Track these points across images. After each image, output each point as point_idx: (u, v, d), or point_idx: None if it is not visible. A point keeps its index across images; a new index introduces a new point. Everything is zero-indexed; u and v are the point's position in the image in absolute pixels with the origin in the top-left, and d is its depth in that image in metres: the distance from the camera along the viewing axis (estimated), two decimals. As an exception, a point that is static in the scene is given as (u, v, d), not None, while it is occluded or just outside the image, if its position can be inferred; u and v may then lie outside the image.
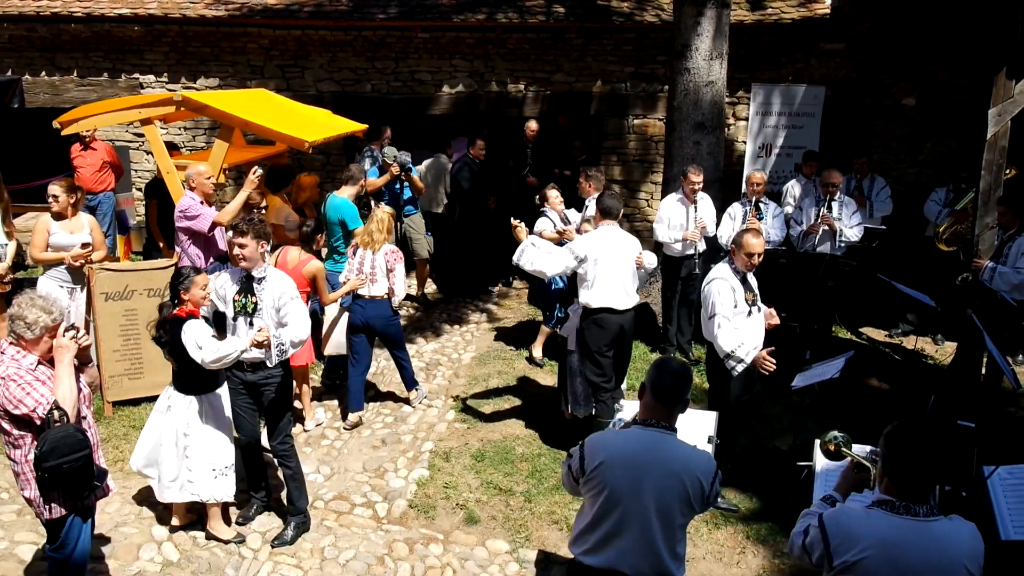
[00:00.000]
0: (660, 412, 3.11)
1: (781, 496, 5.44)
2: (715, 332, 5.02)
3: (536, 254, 5.45)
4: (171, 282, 4.67)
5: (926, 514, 2.61)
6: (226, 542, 4.90)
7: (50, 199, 6.27)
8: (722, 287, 5.06)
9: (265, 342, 4.57)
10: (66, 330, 3.69)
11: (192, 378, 4.65)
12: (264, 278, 4.74)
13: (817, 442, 4.26)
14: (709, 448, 4.29)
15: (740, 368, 4.99)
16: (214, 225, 6.34)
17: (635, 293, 5.68)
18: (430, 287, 9.76)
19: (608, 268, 5.53)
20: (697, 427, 4.34)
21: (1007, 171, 7.04)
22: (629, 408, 4.33)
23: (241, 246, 4.67)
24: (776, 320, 5.29)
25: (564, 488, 3.30)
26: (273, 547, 4.89)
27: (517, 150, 9.63)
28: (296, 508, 5.01)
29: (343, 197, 6.92)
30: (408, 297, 9.41)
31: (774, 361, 4.97)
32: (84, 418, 3.83)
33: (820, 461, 4.27)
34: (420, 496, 5.48)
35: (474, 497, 5.47)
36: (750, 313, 5.15)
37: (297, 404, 6.44)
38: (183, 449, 4.69)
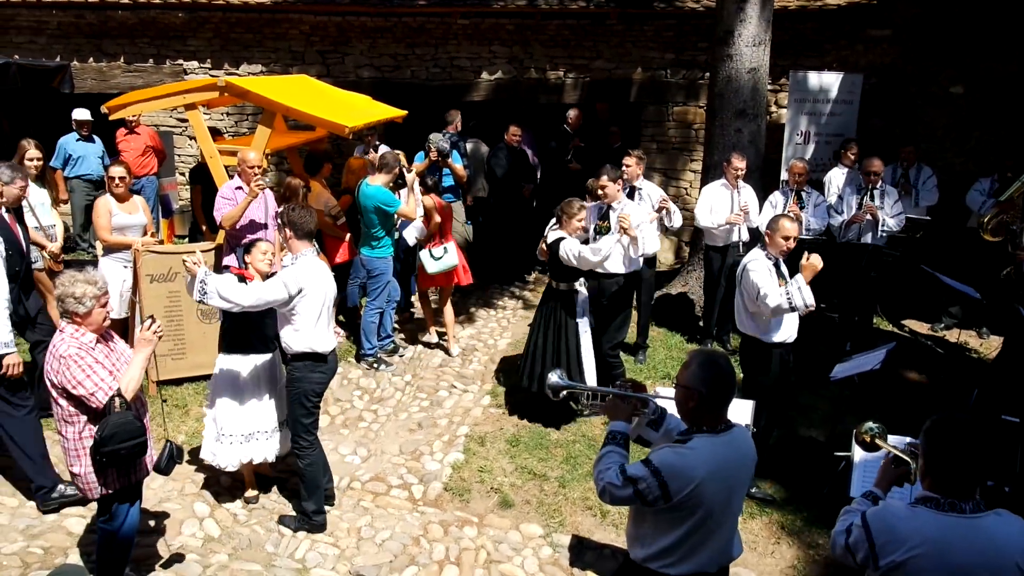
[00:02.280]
0: (722, 413, 3.02)
1: (817, 487, 5.39)
2: (771, 307, 5.02)
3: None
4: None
5: (973, 510, 2.55)
6: (246, 500, 5.15)
7: (115, 180, 6.41)
8: (760, 267, 5.14)
9: (192, 268, 4.51)
10: (145, 320, 3.81)
11: (236, 337, 4.93)
12: (290, 266, 4.80)
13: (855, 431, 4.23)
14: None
15: (800, 301, 5.01)
16: (221, 224, 6.41)
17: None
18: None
19: None
20: (734, 416, 4.32)
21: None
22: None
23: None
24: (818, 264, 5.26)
25: (605, 500, 3.06)
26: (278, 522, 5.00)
27: (559, 138, 9.62)
28: (299, 507, 5.00)
29: (376, 185, 6.94)
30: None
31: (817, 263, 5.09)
32: (142, 404, 3.98)
33: (859, 452, 4.23)
34: (455, 479, 5.53)
35: (508, 481, 5.51)
36: None
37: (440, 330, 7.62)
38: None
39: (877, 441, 3.39)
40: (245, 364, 4.95)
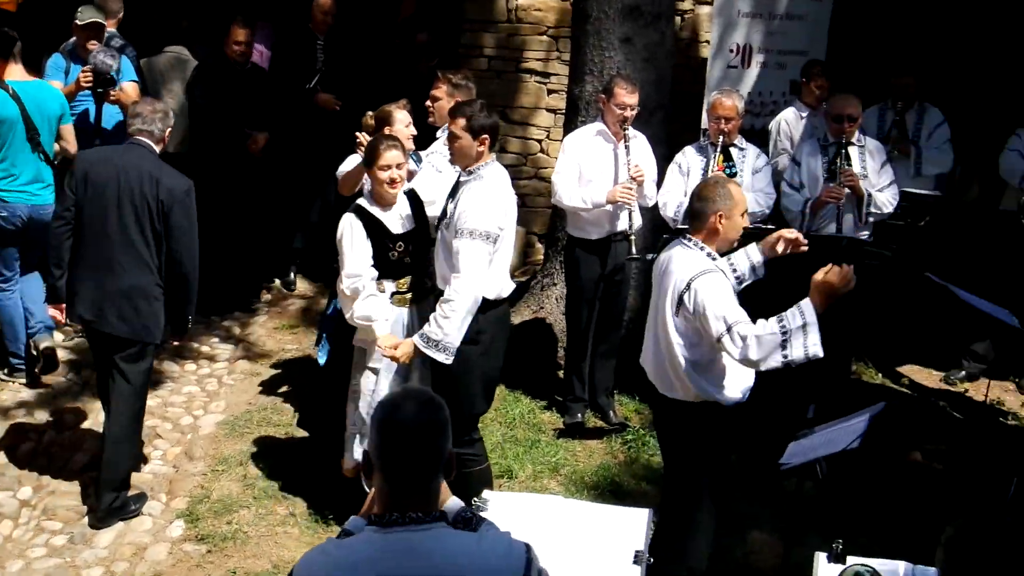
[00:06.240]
0: (406, 493, 3.13)
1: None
2: (754, 357, 5.20)
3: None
4: None
5: None
6: None
7: None
8: (716, 283, 5.31)
9: None
10: None
11: None
12: None
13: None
14: (637, 571, 4.43)
15: (802, 349, 5.17)
16: None
17: None
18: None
19: (509, 238, 6.25)
20: (614, 535, 4.45)
21: None
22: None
23: None
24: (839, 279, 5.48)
25: None
26: None
27: (298, 44, 9.71)
28: None
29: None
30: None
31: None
32: None
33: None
34: None
35: None
36: None
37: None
38: None
39: None
40: None
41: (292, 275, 10.20)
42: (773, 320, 5.18)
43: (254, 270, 9.99)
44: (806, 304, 5.16)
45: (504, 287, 6.32)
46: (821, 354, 5.16)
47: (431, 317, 5.98)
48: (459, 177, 6.27)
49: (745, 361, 5.22)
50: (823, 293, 5.18)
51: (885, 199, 7.95)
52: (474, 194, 6.07)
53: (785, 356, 5.13)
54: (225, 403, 8.13)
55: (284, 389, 8.32)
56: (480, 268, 5.98)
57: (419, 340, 5.98)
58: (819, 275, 5.21)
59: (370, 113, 7.31)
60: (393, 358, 6.04)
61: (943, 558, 2.85)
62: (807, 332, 5.12)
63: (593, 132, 7.73)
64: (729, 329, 5.18)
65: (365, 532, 3.11)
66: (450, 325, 5.89)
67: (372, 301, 6.20)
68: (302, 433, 7.67)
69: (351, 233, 6.18)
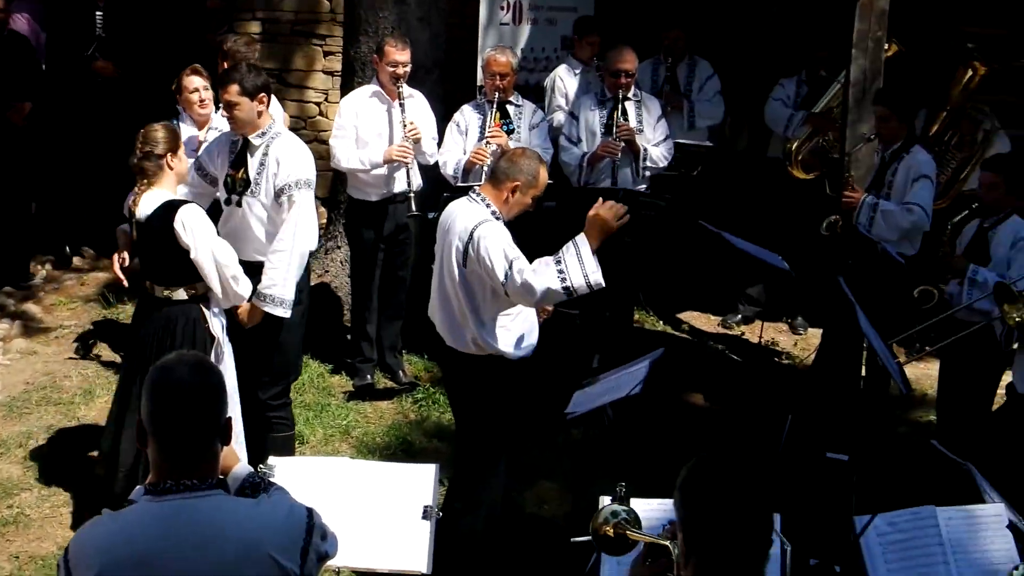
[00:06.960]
0: (180, 460, 3.11)
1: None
2: (537, 290, 5.26)
3: None
4: None
5: None
6: None
7: None
8: (499, 230, 5.40)
9: None
10: None
11: None
12: None
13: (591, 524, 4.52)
14: (427, 525, 4.49)
15: (582, 278, 5.28)
16: None
17: None
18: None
19: None
20: (403, 492, 4.50)
21: (887, 48, 7.74)
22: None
23: None
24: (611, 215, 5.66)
25: None
26: None
27: (74, 10, 9.45)
28: None
29: None
30: None
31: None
32: None
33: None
34: None
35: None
36: None
37: None
38: None
39: (628, 533, 3.63)
40: None
41: (67, 249, 9.92)
42: (547, 264, 5.28)
43: (27, 245, 9.64)
44: (580, 237, 5.28)
45: (316, 241, 6.44)
46: (603, 283, 5.28)
47: (264, 272, 6.04)
48: (245, 142, 6.25)
49: (528, 293, 5.27)
50: (596, 227, 5.30)
51: (660, 154, 8.17)
52: (283, 149, 6.20)
53: (563, 281, 5.22)
54: (1, 384, 7.90)
55: (64, 366, 8.13)
56: (308, 216, 6.15)
57: (256, 300, 6.02)
58: (592, 210, 5.33)
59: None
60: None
61: (678, 501, 2.92)
62: (582, 260, 5.22)
63: (368, 93, 7.77)
64: (510, 265, 5.25)
65: (140, 502, 3.08)
66: (284, 275, 6.02)
67: None
68: (84, 411, 7.52)
69: (207, 225, 5.91)
